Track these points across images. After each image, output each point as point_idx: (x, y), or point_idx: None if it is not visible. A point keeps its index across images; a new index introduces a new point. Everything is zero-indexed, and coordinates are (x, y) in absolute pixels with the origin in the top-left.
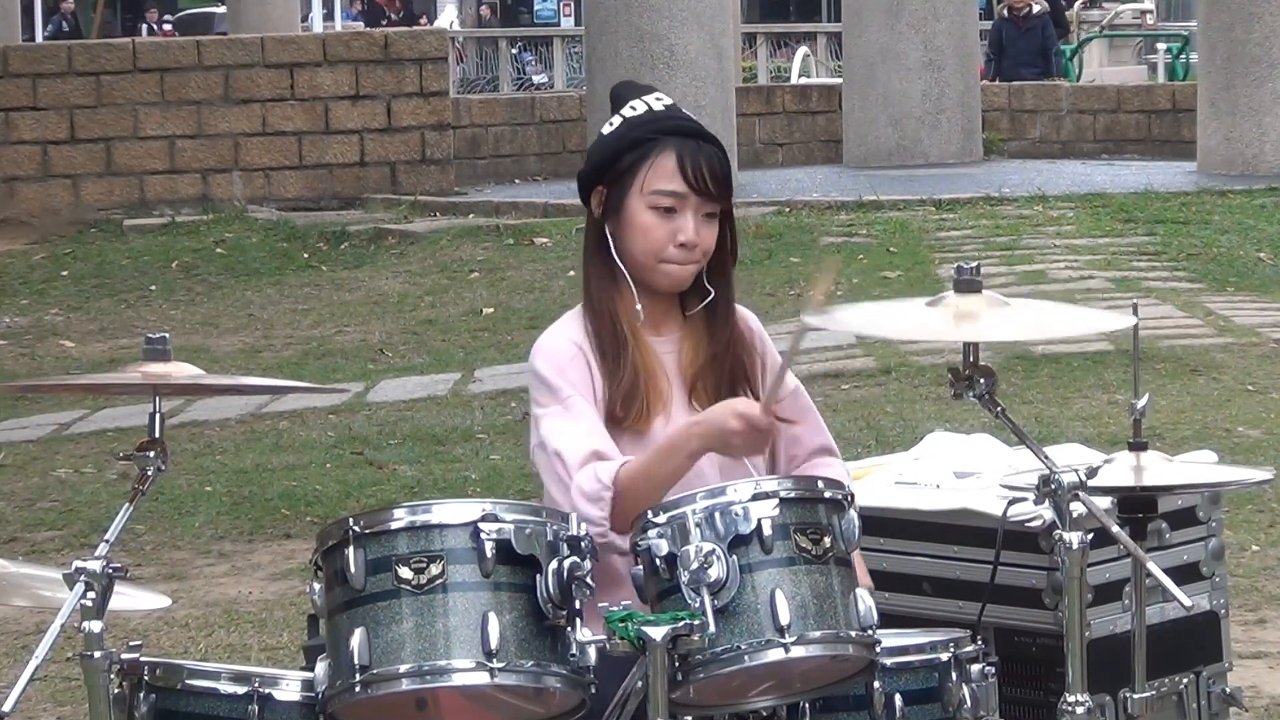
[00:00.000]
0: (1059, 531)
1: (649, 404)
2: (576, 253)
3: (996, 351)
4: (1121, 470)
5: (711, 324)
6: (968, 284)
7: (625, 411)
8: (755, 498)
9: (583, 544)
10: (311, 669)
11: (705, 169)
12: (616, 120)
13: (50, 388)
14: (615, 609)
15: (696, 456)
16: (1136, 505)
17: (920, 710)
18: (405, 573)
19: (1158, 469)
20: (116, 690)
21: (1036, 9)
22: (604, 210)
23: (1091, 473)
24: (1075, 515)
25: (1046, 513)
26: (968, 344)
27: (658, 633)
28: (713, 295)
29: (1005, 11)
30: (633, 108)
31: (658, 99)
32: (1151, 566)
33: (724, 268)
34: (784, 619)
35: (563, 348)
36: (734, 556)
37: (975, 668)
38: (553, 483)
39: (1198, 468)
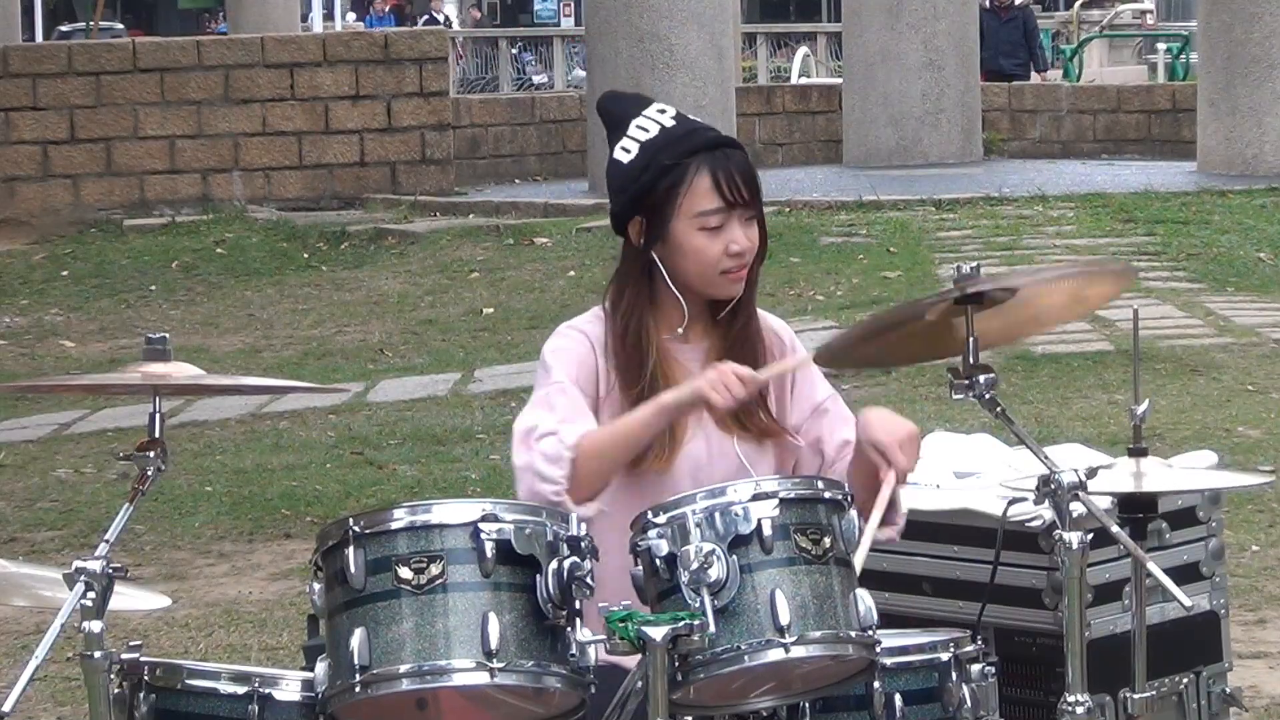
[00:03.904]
0: (1059, 531)
1: (673, 441)
2: (577, 253)
3: (996, 351)
4: (1121, 476)
5: (736, 328)
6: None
7: (644, 455)
8: (755, 498)
9: (583, 544)
10: (311, 669)
11: (739, 180)
12: (632, 147)
13: (50, 388)
14: (615, 609)
15: (668, 410)
16: (1136, 505)
17: (920, 710)
18: (405, 573)
19: (1157, 475)
20: (116, 690)
21: (1019, 0)
22: (646, 239)
23: (1091, 473)
24: (1075, 515)
25: (1046, 513)
26: (967, 343)
27: (658, 633)
28: (740, 294)
29: (987, 3)
30: (643, 129)
31: (661, 111)
32: (1151, 566)
33: (754, 268)
34: (784, 619)
35: (577, 343)
36: (734, 556)
37: (975, 668)
38: (518, 452)
39: (1196, 474)
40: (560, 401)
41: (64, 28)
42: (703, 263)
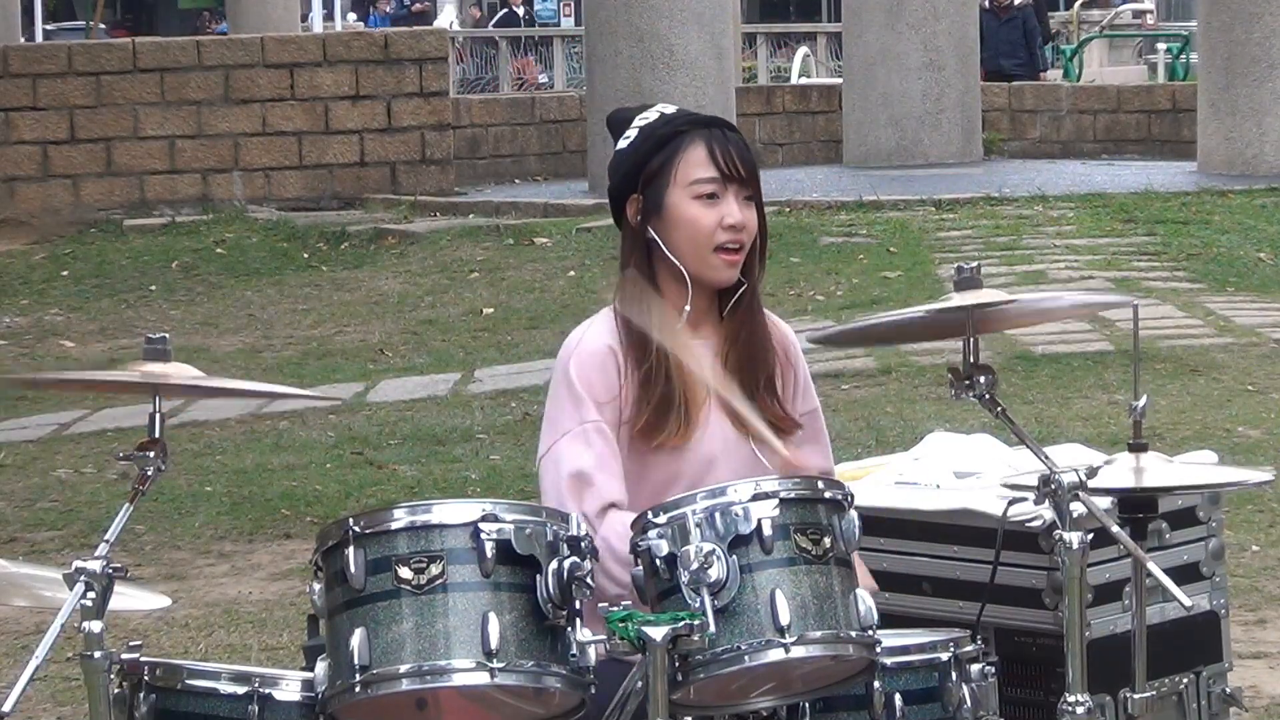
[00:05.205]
0: (1059, 531)
1: (689, 417)
2: (577, 253)
3: (997, 351)
4: (1122, 472)
5: (742, 320)
6: (968, 283)
7: (659, 427)
8: (755, 498)
9: (583, 544)
10: (311, 669)
11: (734, 154)
12: (632, 133)
13: (50, 382)
14: (615, 609)
15: None
16: (1136, 505)
17: (920, 710)
18: (405, 573)
19: (1158, 470)
20: (116, 690)
21: (1018, 0)
22: (643, 216)
23: (1092, 473)
24: (1075, 515)
25: (1046, 513)
26: (967, 343)
27: (658, 633)
28: (744, 286)
29: (987, 3)
30: (644, 118)
31: (665, 107)
32: (1151, 566)
33: (754, 258)
34: (784, 619)
35: (597, 349)
36: (734, 557)
37: (975, 668)
38: (568, 503)
39: (1197, 469)
40: (596, 458)
41: (49, 26)
42: (697, 234)
